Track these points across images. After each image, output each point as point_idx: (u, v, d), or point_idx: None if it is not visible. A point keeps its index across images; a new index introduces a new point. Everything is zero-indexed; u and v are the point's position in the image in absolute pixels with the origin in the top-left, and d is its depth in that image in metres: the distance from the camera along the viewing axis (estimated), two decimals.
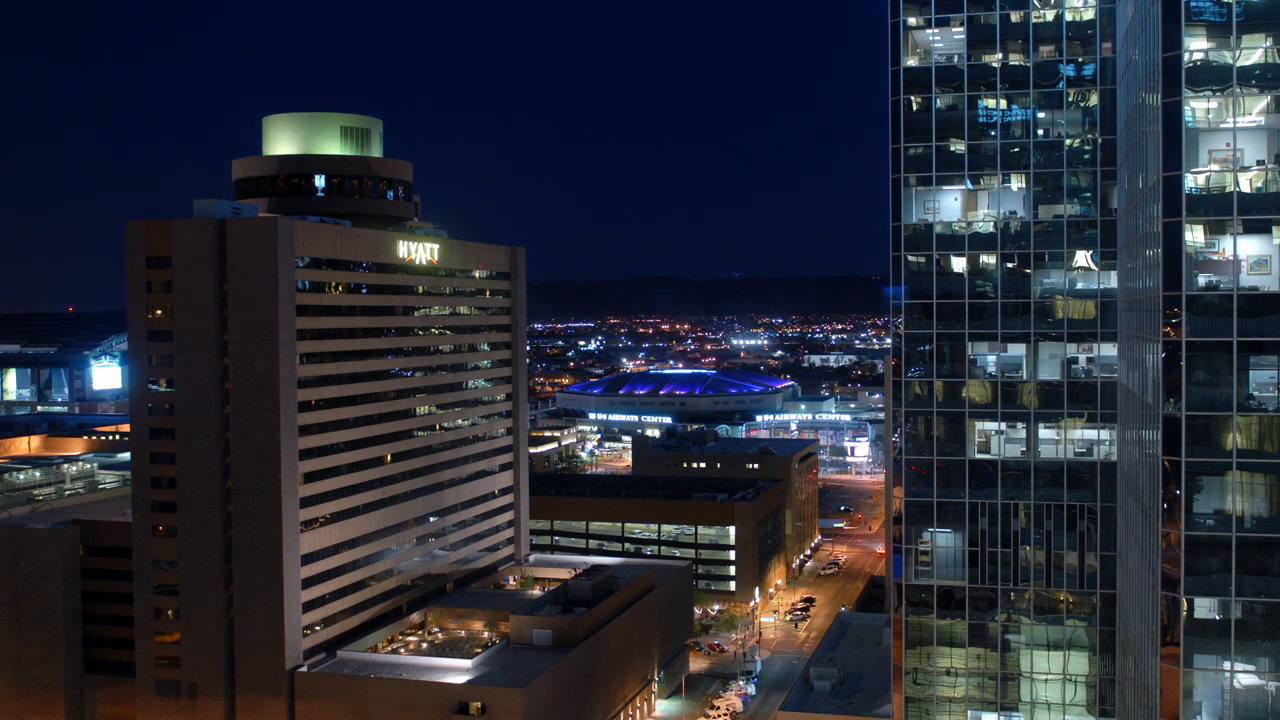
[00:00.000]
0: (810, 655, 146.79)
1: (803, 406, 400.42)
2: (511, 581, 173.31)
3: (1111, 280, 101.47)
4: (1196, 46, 67.84)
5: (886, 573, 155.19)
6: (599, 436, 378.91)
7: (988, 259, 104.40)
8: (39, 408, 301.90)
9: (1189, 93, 67.42)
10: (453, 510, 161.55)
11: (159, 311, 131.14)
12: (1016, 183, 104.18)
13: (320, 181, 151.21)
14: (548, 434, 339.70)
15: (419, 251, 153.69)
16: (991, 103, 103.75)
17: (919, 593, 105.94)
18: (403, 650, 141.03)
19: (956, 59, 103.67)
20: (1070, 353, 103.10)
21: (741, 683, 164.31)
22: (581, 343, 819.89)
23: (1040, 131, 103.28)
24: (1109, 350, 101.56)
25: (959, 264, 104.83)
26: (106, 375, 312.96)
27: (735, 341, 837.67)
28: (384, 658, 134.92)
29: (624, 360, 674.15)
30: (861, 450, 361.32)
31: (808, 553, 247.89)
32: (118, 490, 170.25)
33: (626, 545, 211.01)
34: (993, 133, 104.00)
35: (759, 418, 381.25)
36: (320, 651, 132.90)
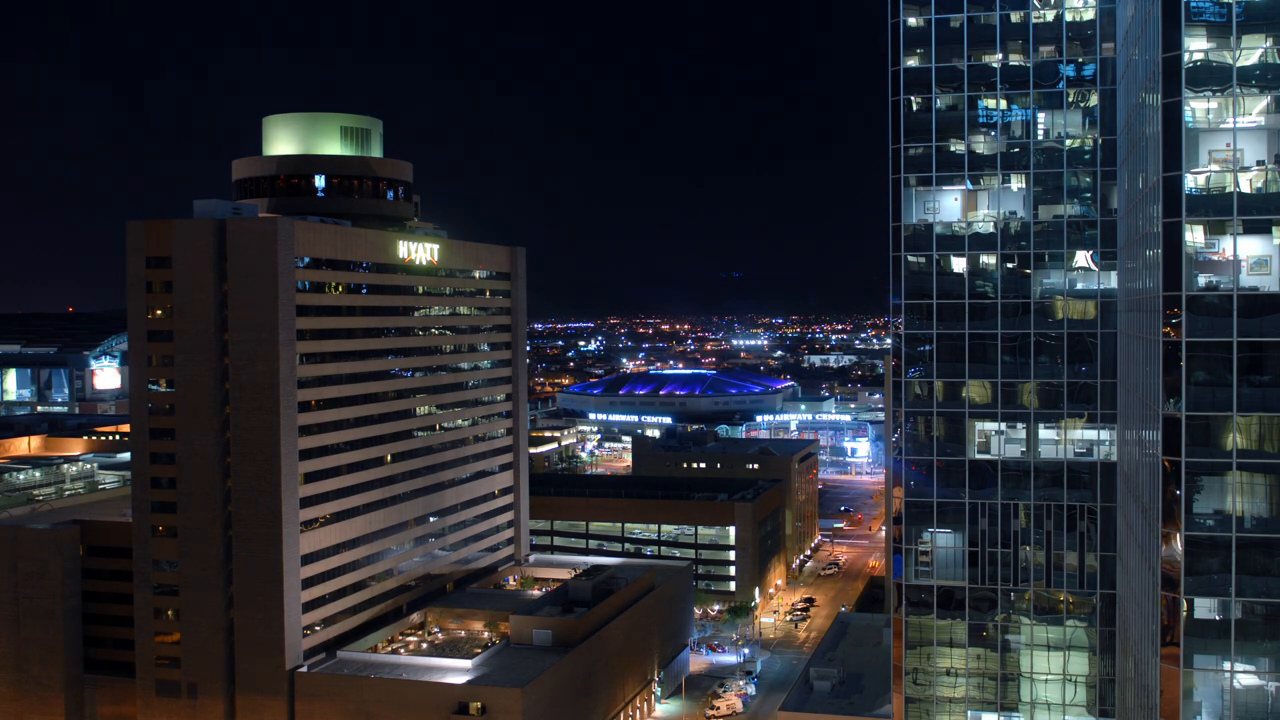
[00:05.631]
0: (810, 655, 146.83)
1: (803, 407, 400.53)
2: (511, 581, 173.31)
3: (1111, 280, 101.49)
4: (1196, 47, 67.85)
5: (886, 573, 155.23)
6: (599, 437, 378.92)
7: (988, 259, 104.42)
8: (39, 408, 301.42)
9: (1189, 93, 67.42)
10: (453, 510, 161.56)
11: (159, 311, 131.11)
12: (1016, 183, 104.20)
13: (320, 181, 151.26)
14: (548, 434, 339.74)
15: (419, 252, 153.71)
16: (991, 103, 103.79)
17: (919, 593, 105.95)
18: (403, 650, 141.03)
19: (956, 59, 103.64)
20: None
21: (741, 683, 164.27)
22: (581, 343, 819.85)
23: (1040, 132, 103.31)
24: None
25: (959, 264, 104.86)
26: (106, 375, 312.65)
27: (735, 341, 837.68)
28: (384, 658, 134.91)
29: (624, 360, 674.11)
30: (861, 450, 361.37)
31: (808, 553, 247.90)
32: (118, 490, 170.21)
33: (626, 545, 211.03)
34: (993, 133, 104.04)
35: (759, 418, 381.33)
36: (320, 651, 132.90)
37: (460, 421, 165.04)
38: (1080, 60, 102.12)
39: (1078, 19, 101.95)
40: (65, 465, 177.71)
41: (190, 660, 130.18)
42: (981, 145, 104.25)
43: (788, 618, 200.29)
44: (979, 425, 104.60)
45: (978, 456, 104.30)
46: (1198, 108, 68.74)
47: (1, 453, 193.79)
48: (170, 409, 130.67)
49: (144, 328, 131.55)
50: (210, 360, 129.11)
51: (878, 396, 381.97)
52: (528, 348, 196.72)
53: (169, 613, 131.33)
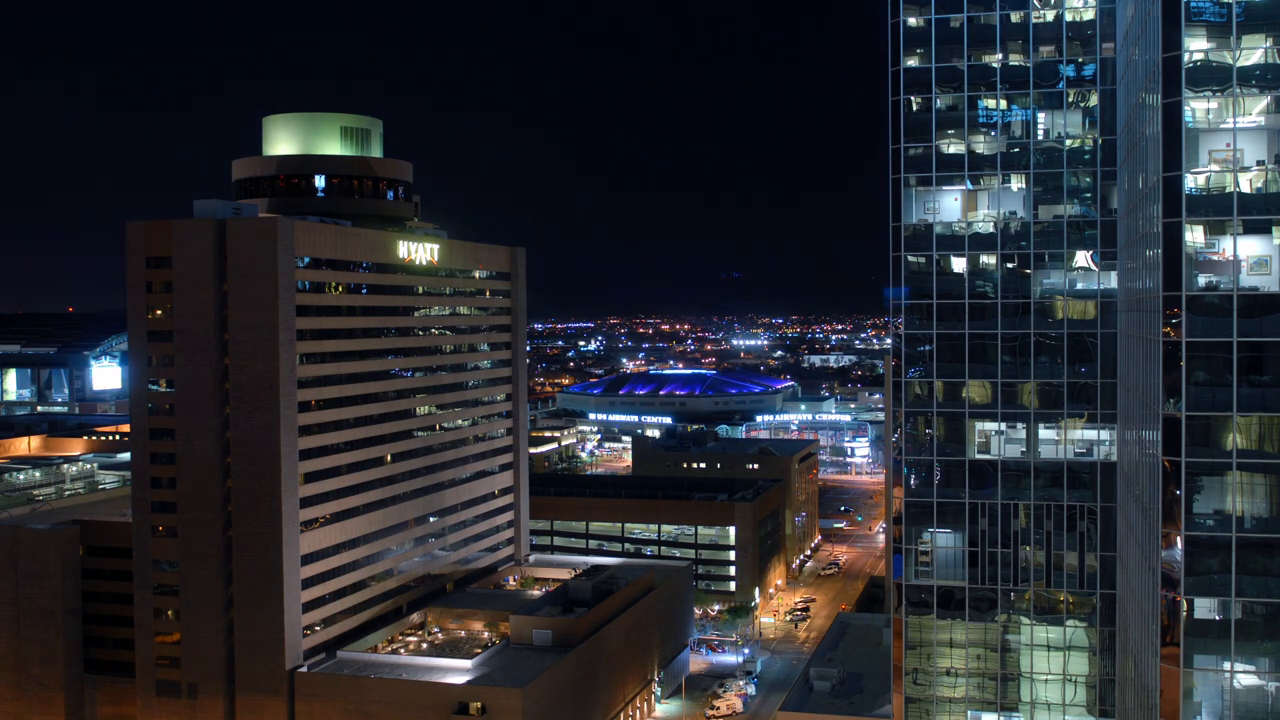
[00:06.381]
0: (810, 655, 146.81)
1: (803, 407, 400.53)
2: (511, 581, 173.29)
3: (1111, 280, 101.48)
4: (1196, 47, 67.84)
5: (886, 573, 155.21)
6: (599, 437, 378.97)
7: (988, 259, 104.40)
8: (39, 408, 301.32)
9: (1189, 93, 67.41)
10: (453, 510, 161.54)
11: (159, 311, 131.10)
12: (1016, 183, 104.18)
13: (320, 182, 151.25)
14: (548, 434, 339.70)
15: (419, 252, 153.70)
16: (991, 103, 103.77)
17: (919, 593, 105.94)
18: (403, 650, 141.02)
19: (956, 59, 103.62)
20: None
21: (741, 683, 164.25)
22: (581, 343, 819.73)
23: (1040, 132, 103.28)
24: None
25: (959, 264, 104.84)
26: (106, 375, 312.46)
27: (735, 341, 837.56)
28: (384, 658, 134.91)
29: (624, 360, 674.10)
30: (861, 450, 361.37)
31: (808, 553, 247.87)
32: (118, 490, 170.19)
33: (626, 545, 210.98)
34: (993, 133, 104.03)
35: (759, 418, 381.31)
36: (320, 651, 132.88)
37: (460, 421, 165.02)
38: (1080, 60, 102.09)
39: (1078, 19, 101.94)
40: (65, 465, 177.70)
41: (190, 660, 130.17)
42: (981, 145, 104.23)
43: (788, 618, 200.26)
44: (979, 425, 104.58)
45: (978, 456, 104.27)
46: (1198, 108, 68.73)
47: (1, 453, 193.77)
48: (170, 409, 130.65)
49: (144, 328, 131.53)
50: (210, 360, 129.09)
51: (878, 396, 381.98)
52: (528, 348, 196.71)
53: (169, 613, 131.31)
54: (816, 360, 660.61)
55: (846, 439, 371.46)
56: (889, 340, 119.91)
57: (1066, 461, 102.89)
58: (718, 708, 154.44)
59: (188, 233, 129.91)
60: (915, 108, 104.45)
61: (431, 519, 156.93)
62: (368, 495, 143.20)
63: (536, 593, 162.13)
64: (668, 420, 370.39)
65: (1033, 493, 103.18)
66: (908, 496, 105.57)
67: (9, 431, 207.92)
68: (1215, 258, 68.55)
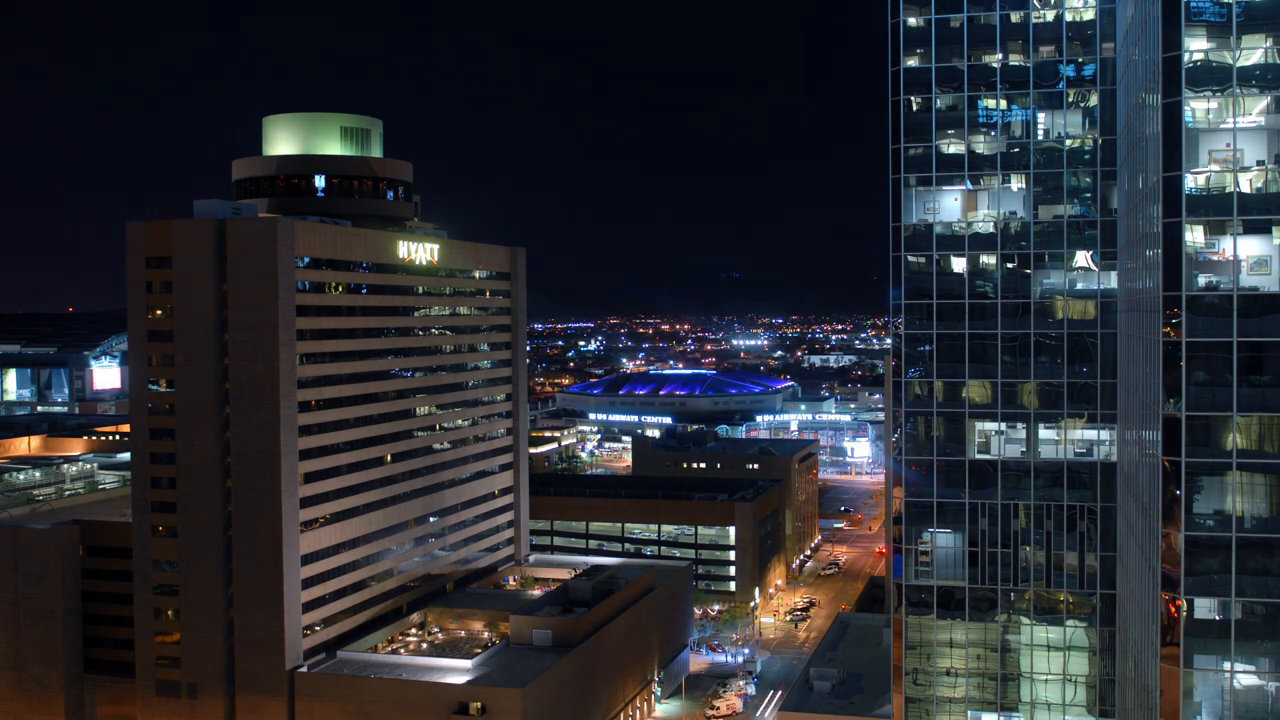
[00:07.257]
0: (810, 655, 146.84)
1: (803, 407, 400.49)
2: (511, 581, 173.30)
3: (1111, 280, 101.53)
4: (1196, 47, 67.88)
5: (886, 573, 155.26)
6: (599, 437, 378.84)
7: (988, 259, 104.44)
8: (39, 408, 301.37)
9: (1189, 93, 67.44)
10: (453, 510, 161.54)
11: (159, 311, 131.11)
12: (1016, 183, 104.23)
13: (320, 182, 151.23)
14: (548, 434, 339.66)
15: (419, 252, 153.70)
16: (991, 103, 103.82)
17: (919, 593, 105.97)
18: (403, 650, 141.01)
19: (956, 59, 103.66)
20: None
21: (741, 683, 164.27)
22: (581, 343, 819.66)
23: (1040, 132, 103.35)
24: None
25: (959, 264, 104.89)
26: (106, 375, 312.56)
27: (735, 341, 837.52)
28: (384, 658, 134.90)
29: (624, 360, 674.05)
30: (861, 450, 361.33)
31: (808, 553, 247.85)
32: (118, 490, 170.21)
33: (626, 545, 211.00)
34: (993, 133, 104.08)
35: (759, 418, 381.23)
36: (320, 651, 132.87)
37: (460, 421, 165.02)
38: (1080, 60, 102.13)
39: (1078, 19, 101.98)
40: (65, 465, 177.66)
41: (190, 660, 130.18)
42: (981, 145, 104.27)
43: (788, 618, 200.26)
44: (979, 425, 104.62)
45: (978, 456, 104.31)
46: (1198, 108, 68.76)
47: (1, 453, 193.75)
48: (170, 409, 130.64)
49: (144, 328, 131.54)
50: (210, 360, 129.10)
51: (878, 396, 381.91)
52: (528, 348, 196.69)
53: (169, 613, 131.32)
54: (816, 360, 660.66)
55: (846, 439, 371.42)
56: (889, 340, 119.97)
57: (1066, 461, 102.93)
58: (718, 708, 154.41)
59: (188, 233, 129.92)
60: (915, 108, 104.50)
61: (431, 519, 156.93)
62: (368, 495, 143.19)
63: (536, 593, 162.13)
64: (668, 420, 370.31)
65: (1033, 493, 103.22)
66: (908, 496, 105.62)
67: (9, 431, 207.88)
68: (1215, 258, 68.60)
